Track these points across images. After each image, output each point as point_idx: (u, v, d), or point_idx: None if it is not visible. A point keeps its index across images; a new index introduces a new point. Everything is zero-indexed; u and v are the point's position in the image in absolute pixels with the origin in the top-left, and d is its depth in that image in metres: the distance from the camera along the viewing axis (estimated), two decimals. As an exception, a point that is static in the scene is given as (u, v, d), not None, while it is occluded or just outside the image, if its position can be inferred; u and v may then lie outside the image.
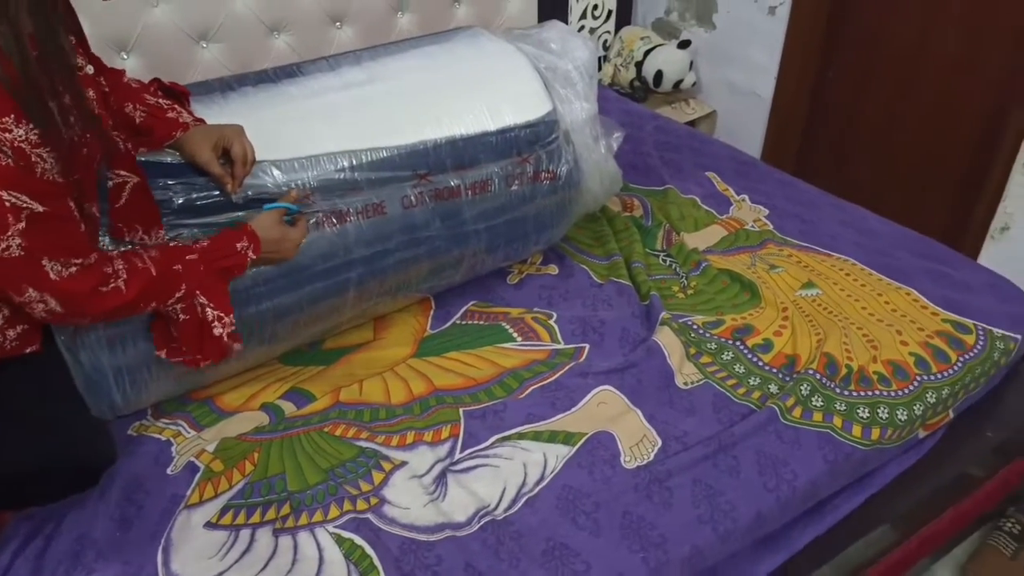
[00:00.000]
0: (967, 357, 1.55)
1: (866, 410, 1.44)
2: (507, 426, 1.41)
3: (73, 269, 1.08)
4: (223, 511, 1.26)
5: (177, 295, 1.23)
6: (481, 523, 1.24)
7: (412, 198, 1.57)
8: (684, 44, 2.84)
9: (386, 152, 1.55)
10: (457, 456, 1.35)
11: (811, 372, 1.49)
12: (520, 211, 1.70)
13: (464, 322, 1.69)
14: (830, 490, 1.40)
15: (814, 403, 1.44)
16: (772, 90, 2.78)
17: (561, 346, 1.61)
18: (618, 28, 3.09)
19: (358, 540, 1.21)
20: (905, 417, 1.44)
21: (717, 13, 2.84)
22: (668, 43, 2.90)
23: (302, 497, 1.28)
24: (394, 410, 1.46)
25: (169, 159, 1.37)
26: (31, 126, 0.98)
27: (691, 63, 2.87)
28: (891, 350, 1.56)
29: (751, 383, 1.51)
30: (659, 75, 2.83)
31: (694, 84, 2.92)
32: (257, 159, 1.39)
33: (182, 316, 1.26)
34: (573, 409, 1.46)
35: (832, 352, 1.54)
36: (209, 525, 1.24)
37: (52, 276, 1.07)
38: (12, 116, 0.96)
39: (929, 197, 2.60)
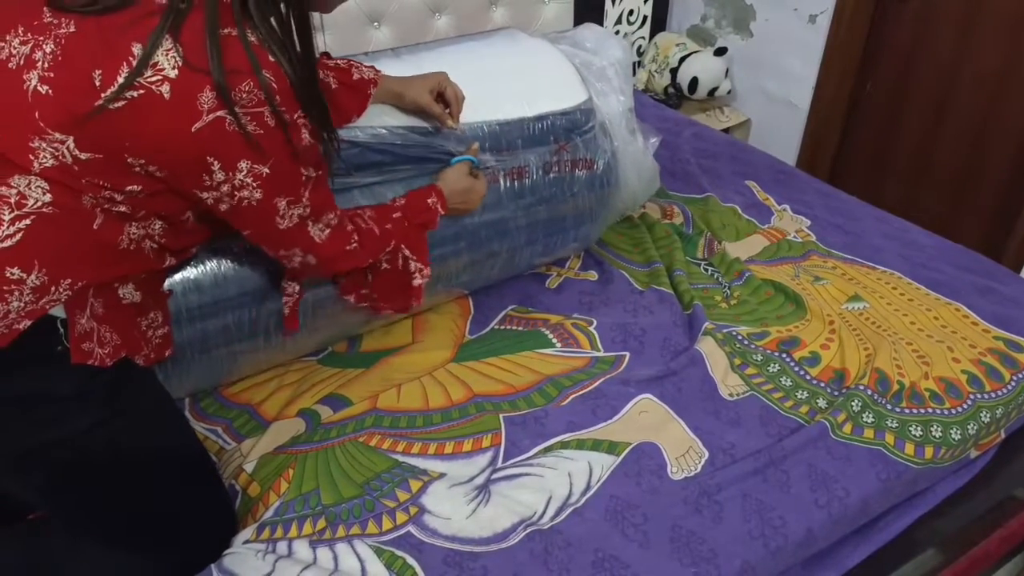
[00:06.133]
0: (1021, 376, 1.51)
1: (919, 428, 1.40)
2: (549, 434, 1.38)
3: (327, 231, 1.14)
4: (259, 530, 1.22)
5: (387, 250, 1.31)
6: (527, 532, 1.21)
7: None
8: (721, 51, 2.81)
9: (423, 132, 1.51)
10: (500, 464, 1.32)
11: (862, 388, 1.45)
12: (559, 203, 1.68)
13: (503, 327, 1.66)
14: (881, 508, 1.36)
15: (865, 419, 1.41)
16: (809, 100, 2.74)
17: (601, 354, 1.58)
18: (653, 34, 3.07)
19: (399, 552, 1.17)
20: (959, 437, 1.40)
21: (755, 21, 2.81)
22: (704, 50, 2.87)
23: (337, 511, 1.24)
24: (432, 417, 1.42)
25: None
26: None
27: (727, 71, 2.84)
28: (943, 367, 1.52)
29: (799, 396, 1.48)
30: (694, 82, 2.80)
31: (729, 92, 2.89)
32: None
33: (385, 266, 1.33)
34: (615, 418, 1.42)
35: (883, 368, 1.50)
36: (246, 543, 1.20)
37: (313, 238, 1.12)
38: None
39: (966, 213, 2.55)
